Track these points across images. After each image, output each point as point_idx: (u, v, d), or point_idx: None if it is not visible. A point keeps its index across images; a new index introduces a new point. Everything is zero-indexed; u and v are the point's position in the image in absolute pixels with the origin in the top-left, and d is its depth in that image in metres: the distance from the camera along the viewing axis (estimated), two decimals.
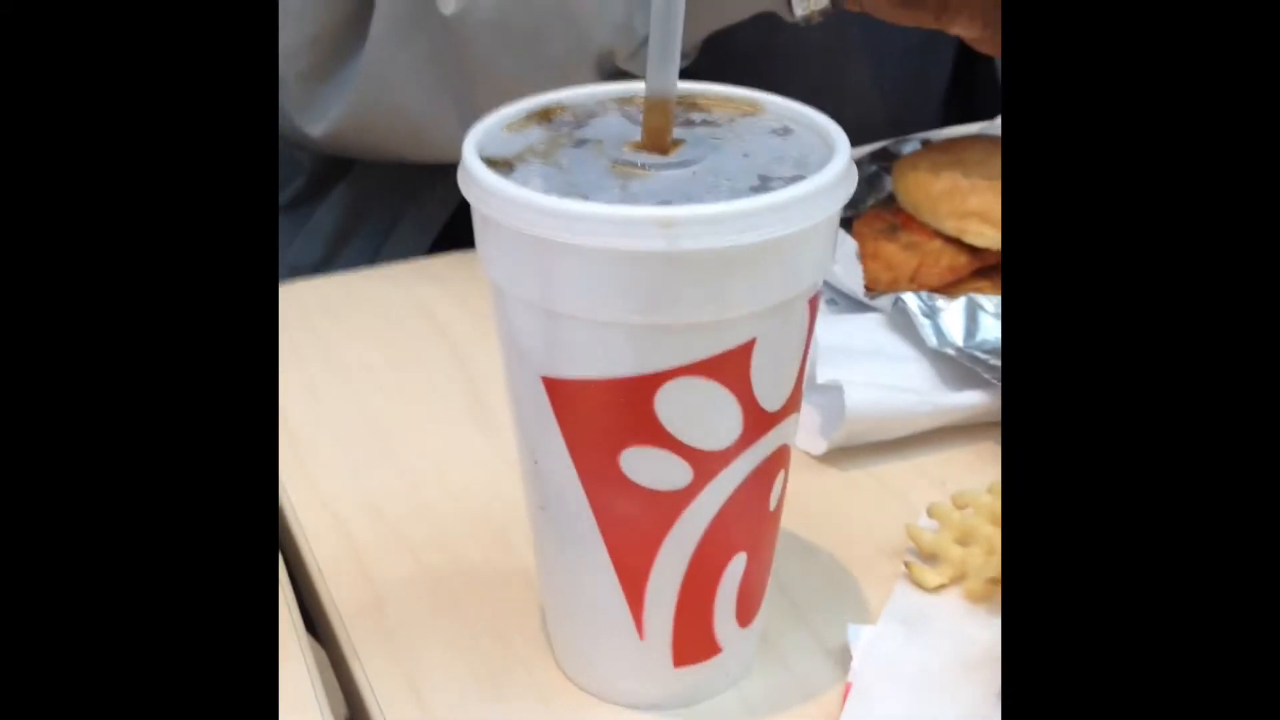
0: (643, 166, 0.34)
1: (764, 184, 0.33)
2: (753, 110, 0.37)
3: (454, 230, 0.71)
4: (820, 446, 0.50)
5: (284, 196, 0.76)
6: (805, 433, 0.51)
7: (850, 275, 0.56)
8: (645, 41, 0.53)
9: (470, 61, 0.59)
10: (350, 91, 0.62)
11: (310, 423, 0.53)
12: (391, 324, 0.60)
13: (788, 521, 0.41)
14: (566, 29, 0.57)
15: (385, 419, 0.54)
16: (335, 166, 0.74)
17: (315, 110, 0.63)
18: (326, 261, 0.74)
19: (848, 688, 0.39)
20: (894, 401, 0.50)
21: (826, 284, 0.58)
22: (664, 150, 0.34)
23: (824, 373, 0.50)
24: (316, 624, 0.45)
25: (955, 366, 0.52)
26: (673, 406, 0.34)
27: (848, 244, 0.57)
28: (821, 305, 0.57)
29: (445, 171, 0.70)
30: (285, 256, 0.75)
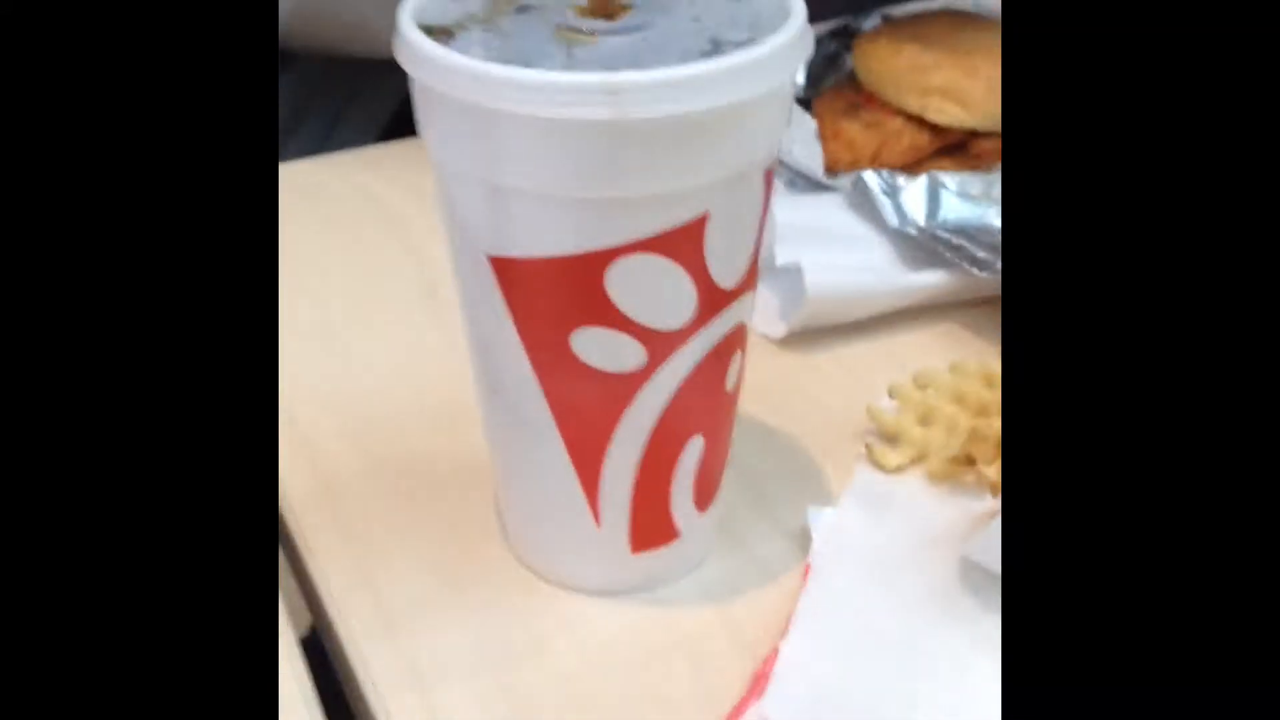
0: (588, 32, 0.32)
1: (716, 48, 0.31)
2: None
3: (402, 124, 0.68)
4: (780, 330, 0.49)
5: None
6: (764, 316, 0.50)
7: (810, 156, 0.55)
8: None
9: None
10: None
11: None
12: (340, 214, 0.59)
13: (746, 406, 0.40)
14: None
15: (335, 310, 0.52)
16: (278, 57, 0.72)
17: None
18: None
19: (807, 569, 0.39)
20: (855, 282, 0.49)
21: (785, 165, 0.56)
22: (611, 15, 0.33)
23: (783, 254, 0.49)
24: None
25: (916, 246, 0.51)
26: (624, 285, 0.32)
27: (807, 124, 0.55)
28: (780, 186, 0.56)
29: (391, 64, 0.68)
30: None
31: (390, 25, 0.59)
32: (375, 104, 0.72)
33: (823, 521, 0.40)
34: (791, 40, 0.31)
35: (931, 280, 0.50)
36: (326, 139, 0.71)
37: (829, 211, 0.53)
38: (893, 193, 0.51)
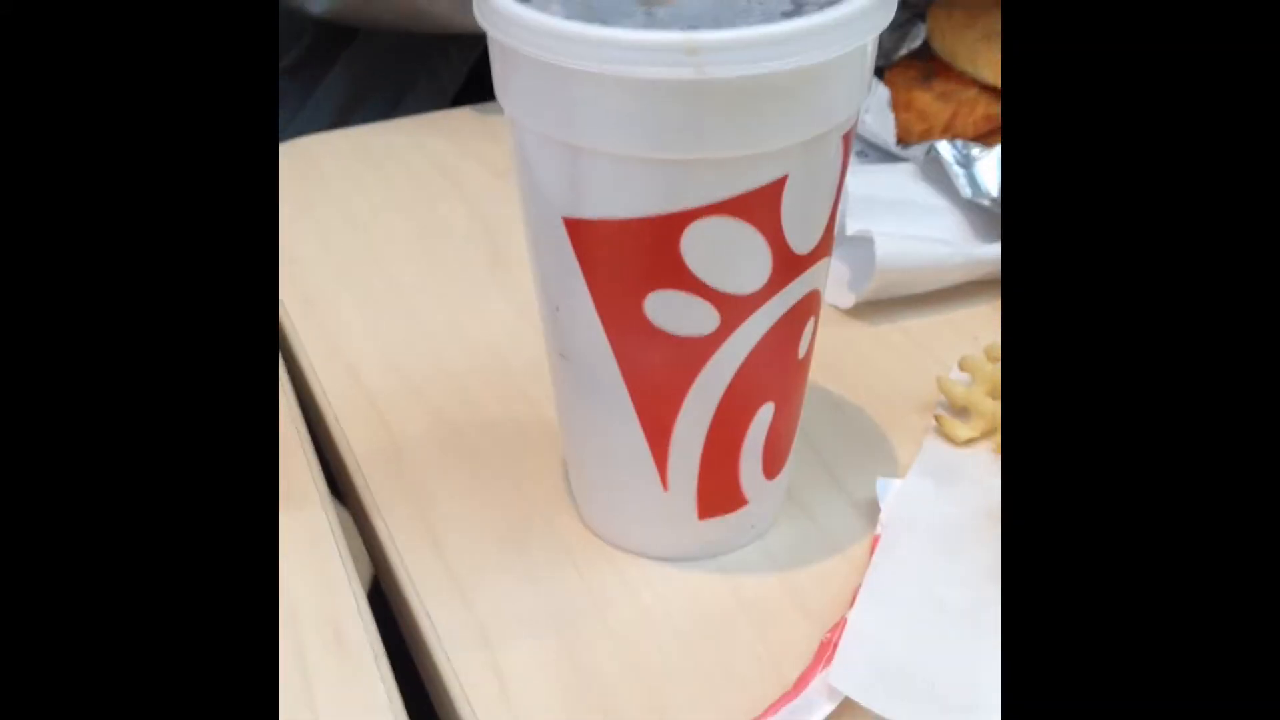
0: None
1: (797, 9, 0.31)
2: None
3: (470, 96, 0.68)
4: (849, 300, 0.49)
5: (286, 60, 0.74)
6: (834, 286, 0.49)
7: (882, 125, 0.54)
8: None
9: None
10: None
11: (324, 277, 0.52)
12: (407, 178, 0.59)
13: (815, 376, 0.39)
14: None
15: (401, 274, 0.52)
16: (340, 30, 0.72)
17: None
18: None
19: (875, 540, 0.38)
20: (925, 252, 0.48)
21: (857, 135, 0.56)
22: None
23: (853, 224, 0.49)
24: (337, 479, 0.44)
25: (989, 217, 0.50)
26: (699, 248, 0.32)
27: (880, 93, 0.55)
28: (851, 156, 0.55)
29: (457, 37, 0.67)
30: (293, 124, 0.73)
31: (443, 6, 0.59)
32: (445, 75, 0.72)
33: (891, 492, 0.40)
34: (874, 2, 0.31)
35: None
36: (395, 108, 0.71)
37: (901, 182, 0.52)
38: (967, 163, 0.51)
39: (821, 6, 0.31)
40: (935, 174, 0.52)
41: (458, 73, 0.71)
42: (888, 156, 0.55)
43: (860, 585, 0.37)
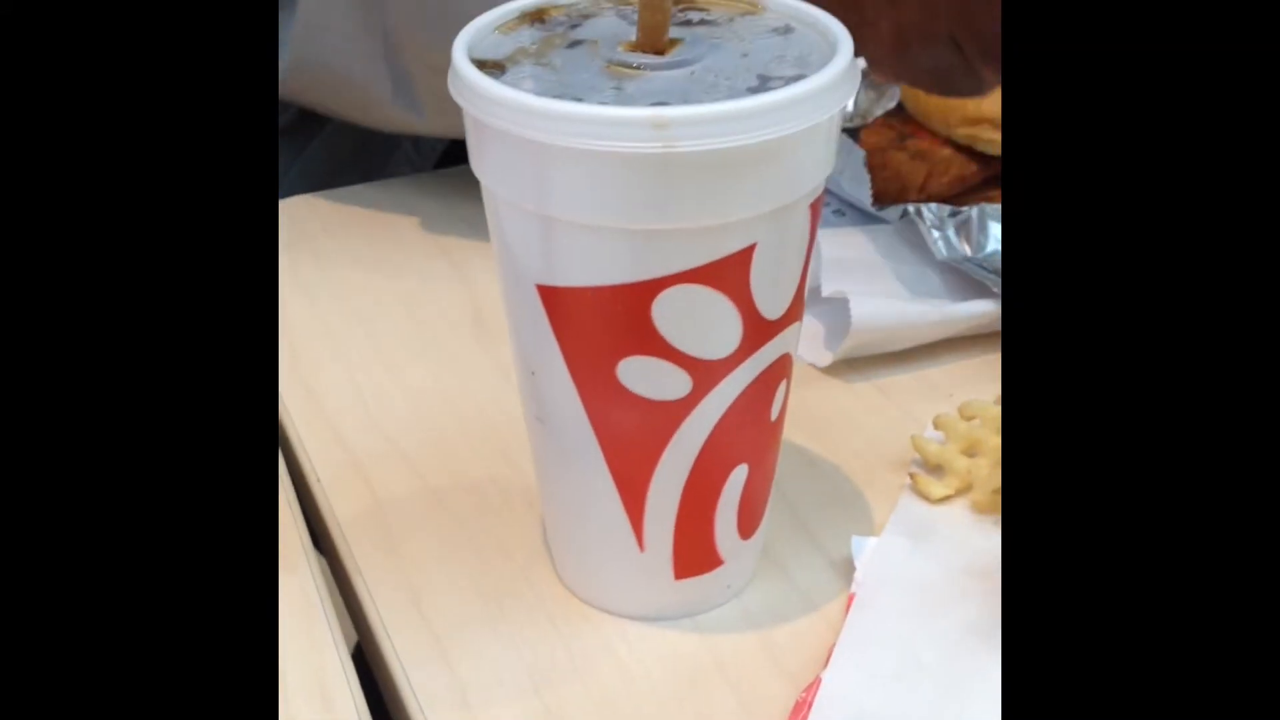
0: (638, 67, 0.33)
1: (763, 84, 0.32)
2: (752, 9, 0.36)
3: (453, 160, 0.70)
4: (825, 359, 0.49)
5: (281, 120, 0.75)
6: (809, 345, 0.50)
7: (858, 186, 0.55)
8: None
9: (391, 22, 0.55)
10: (290, 40, 0.58)
11: (310, 337, 0.53)
12: (391, 239, 0.60)
13: (791, 434, 0.40)
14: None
15: (386, 334, 0.53)
16: None
17: None
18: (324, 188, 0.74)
19: (850, 599, 0.39)
20: (900, 311, 0.49)
21: (834, 194, 0.57)
22: (660, 50, 0.33)
23: (828, 286, 0.49)
24: (320, 541, 0.45)
25: (963, 279, 0.51)
26: (670, 315, 0.33)
27: (856, 154, 0.56)
28: (828, 215, 0.56)
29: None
30: (281, 185, 0.74)
31: (380, 102, 0.58)
32: (426, 141, 0.73)
33: (866, 551, 0.41)
34: (837, 76, 0.32)
35: (976, 309, 0.50)
36: (381, 170, 0.72)
37: (877, 243, 0.53)
38: (941, 225, 0.52)
39: (786, 82, 0.32)
40: (910, 235, 0.53)
41: (439, 139, 0.72)
42: (865, 216, 0.56)
43: (835, 644, 0.37)
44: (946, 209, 0.52)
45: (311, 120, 0.73)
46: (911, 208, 0.52)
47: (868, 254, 0.52)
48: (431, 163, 0.71)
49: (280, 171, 0.74)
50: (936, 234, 0.52)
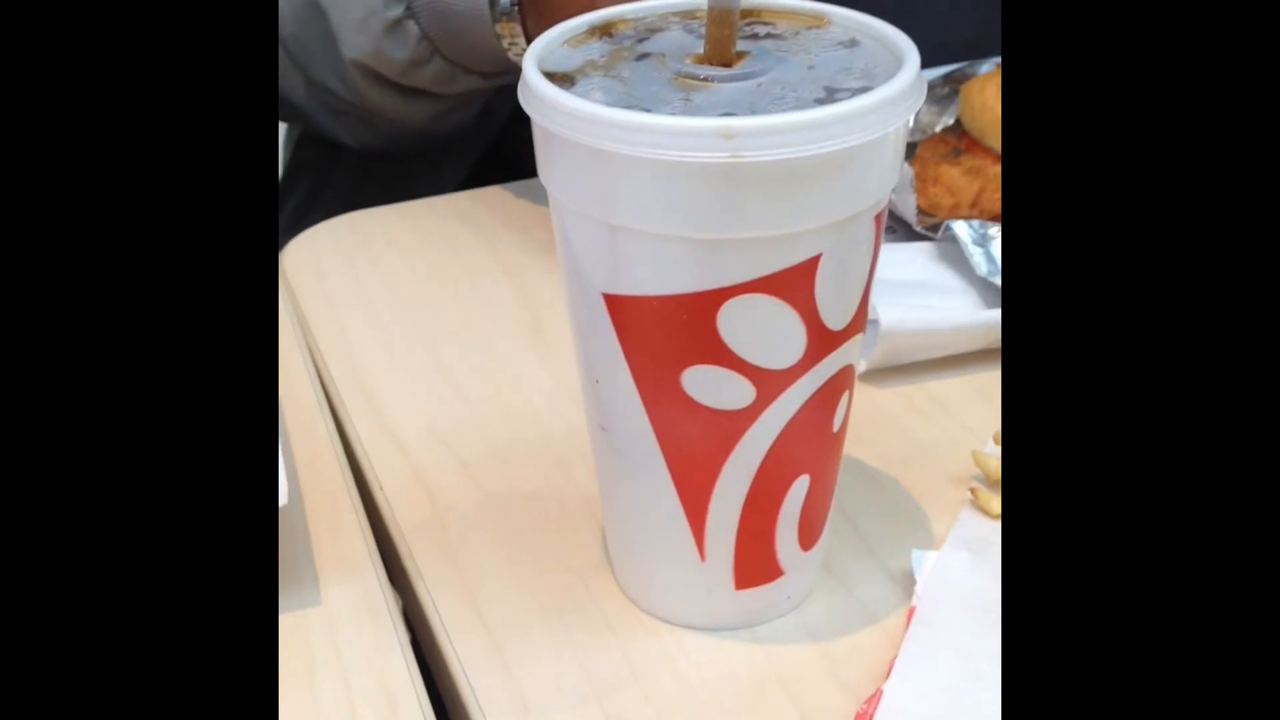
0: (706, 79, 0.33)
1: (830, 95, 0.32)
2: (818, 23, 0.36)
3: (486, 172, 0.71)
4: (860, 366, 0.49)
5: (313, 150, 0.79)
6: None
7: (905, 203, 0.55)
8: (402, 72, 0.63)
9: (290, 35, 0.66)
10: None
11: (374, 351, 0.53)
12: (453, 253, 0.60)
13: (850, 447, 0.40)
14: (331, 46, 0.64)
15: (447, 347, 0.54)
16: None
17: None
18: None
19: (911, 612, 0.39)
20: (929, 316, 0.49)
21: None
22: (728, 62, 0.34)
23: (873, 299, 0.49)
24: (383, 549, 0.45)
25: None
26: (735, 324, 0.33)
27: (906, 171, 0.56)
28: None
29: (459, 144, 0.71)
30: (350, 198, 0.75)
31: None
32: (445, 175, 0.75)
33: (927, 565, 0.40)
34: (904, 88, 0.32)
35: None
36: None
37: (918, 261, 0.54)
38: (983, 241, 0.52)
39: (854, 93, 0.32)
40: (951, 253, 0.53)
41: (473, 149, 0.75)
42: (913, 233, 0.56)
43: (895, 657, 0.37)
44: (990, 226, 0.52)
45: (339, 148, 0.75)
46: (953, 225, 0.52)
47: (908, 273, 0.53)
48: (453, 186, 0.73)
49: (349, 184, 0.76)
50: (978, 250, 0.52)
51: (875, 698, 0.36)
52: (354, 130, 0.70)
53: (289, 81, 0.68)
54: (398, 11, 0.61)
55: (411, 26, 0.61)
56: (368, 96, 0.66)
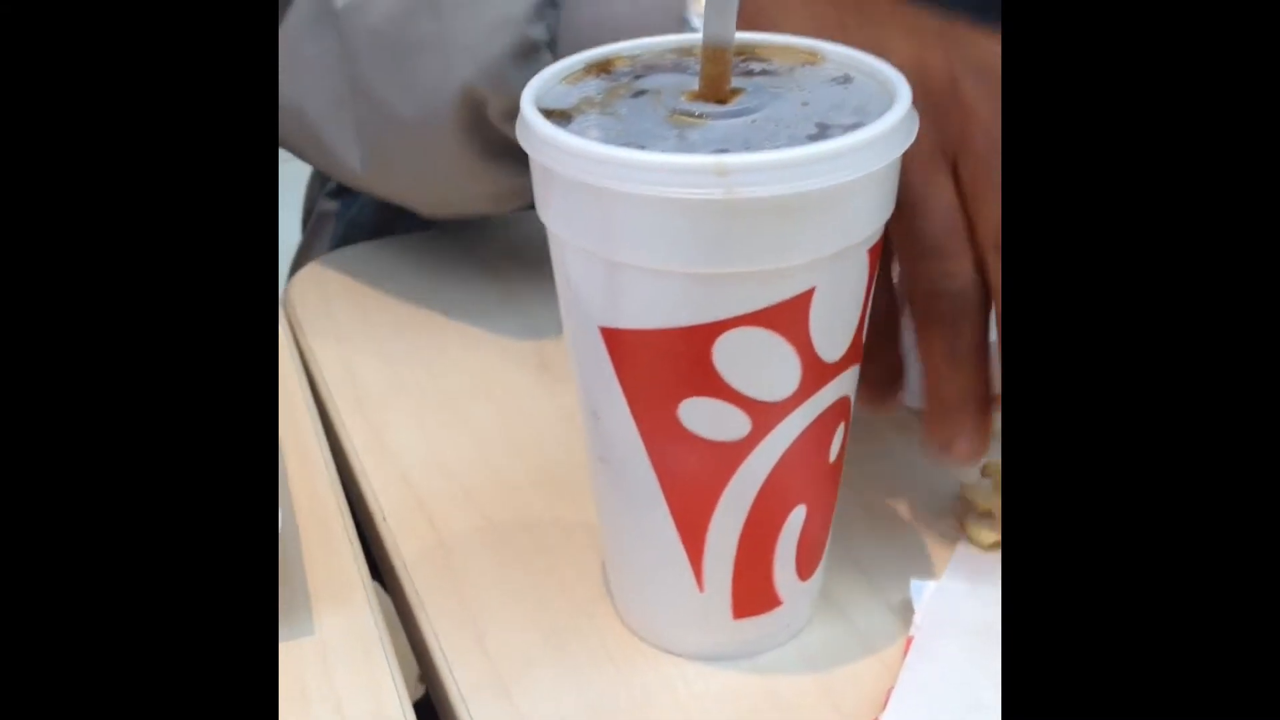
0: (700, 116, 0.34)
1: (823, 132, 0.33)
2: (812, 59, 0.37)
3: None
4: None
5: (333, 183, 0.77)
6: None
7: None
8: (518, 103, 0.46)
9: (354, 71, 0.52)
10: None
11: (376, 379, 0.54)
12: (456, 282, 0.61)
13: (849, 476, 0.40)
14: (436, 56, 0.50)
15: (449, 374, 0.54)
16: None
17: None
18: (386, 227, 0.74)
19: (909, 642, 0.39)
20: None
21: None
22: (722, 99, 0.34)
23: None
24: (385, 579, 0.45)
25: None
26: (731, 357, 0.33)
27: None
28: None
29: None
30: (336, 235, 0.75)
31: (343, 157, 0.54)
32: None
33: (926, 595, 0.41)
34: (895, 124, 0.32)
35: None
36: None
37: None
38: None
39: (846, 129, 0.32)
40: None
41: None
42: None
43: (893, 687, 0.37)
44: None
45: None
46: None
47: None
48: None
49: (344, 218, 0.76)
50: None
51: None
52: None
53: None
54: (540, 33, 0.49)
55: (547, 59, 0.49)
56: (434, 150, 0.54)
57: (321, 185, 0.79)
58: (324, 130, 0.54)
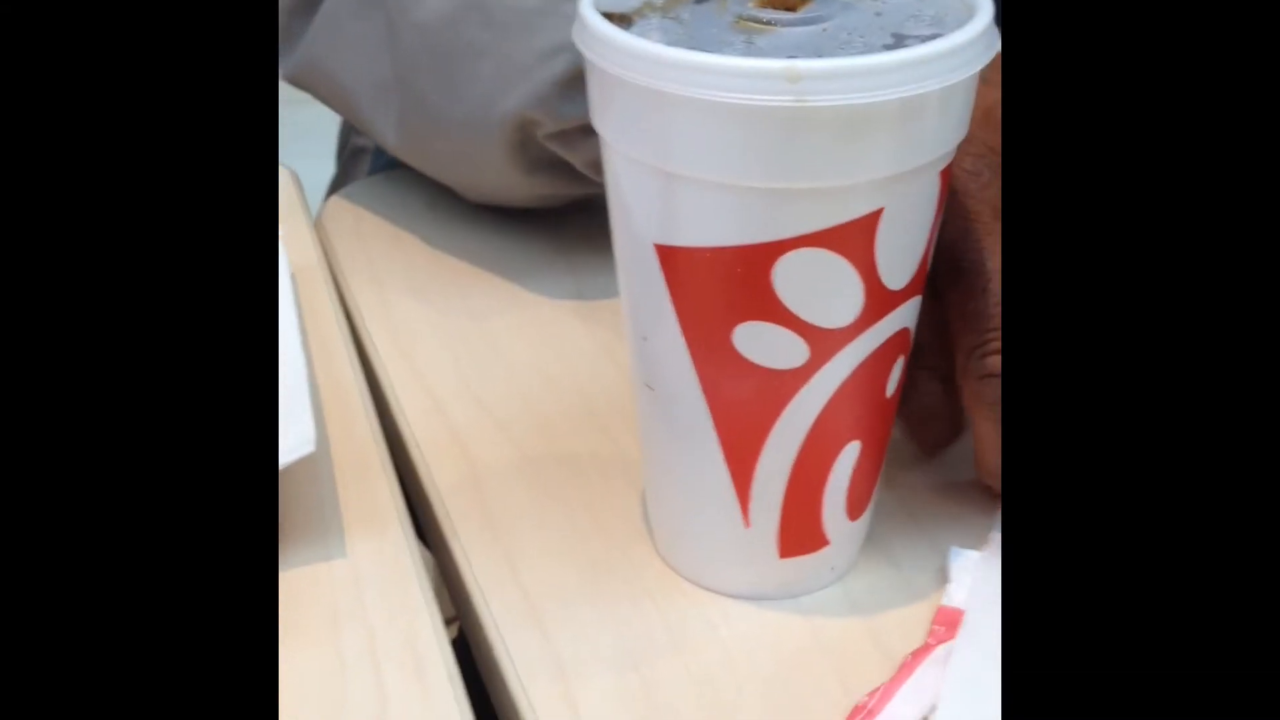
0: (769, 22, 0.32)
1: (898, 42, 0.31)
2: None
3: None
4: None
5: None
6: None
7: None
8: (568, 128, 0.47)
9: (399, 60, 0.51)
10: (306, 40, 0.55)
11: (411, 312, 0.53)
12: (491, 215, 0.59)
13: (900, 423, 0.39)
14: (487, 70, 0.48)
15: (487, 307, 0.53)
16: None
17: (287, 46, 0.56)
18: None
19: (939, 611, 0.37)
20: None
21: None
22: (792, 6, 0.32)
23: None
24: (419, 510, 0.44)
25: None
26: (791, 279, 0.32)
27: None
28: None
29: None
30: (383, 157, 0.74)
31: (380, 131, 0.54)
32: None
33: (963, 563, 0.39)
34: (977, 35, 0.31)
35: None
36: None
37: None
38: None
39: (923, 40, 0.31)
40: None
41: None
42: None
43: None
44: None
45: None
46: None
47: None
48: None
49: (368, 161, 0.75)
50: None
51: (881, 695, 0.34)
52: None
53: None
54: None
55: None
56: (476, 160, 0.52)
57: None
58: (361, 105, 0.53)
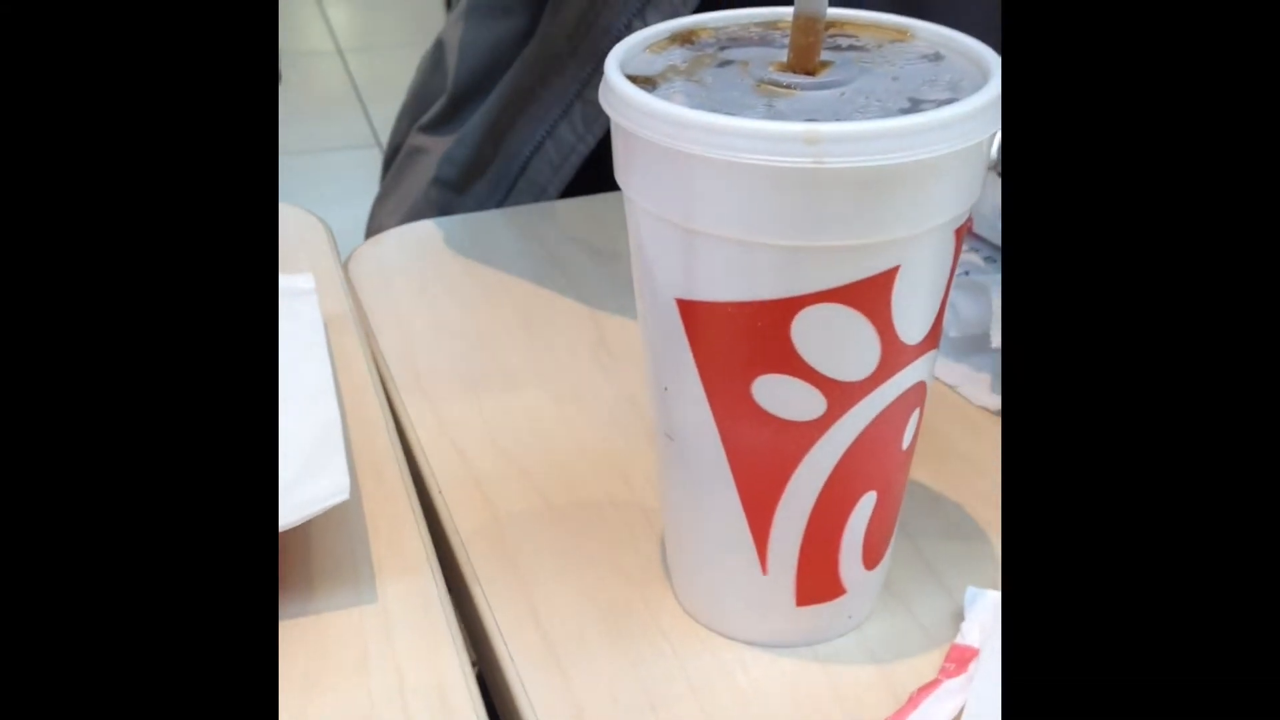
0: (789, 86, 0.33)
1: (914, 106, 0.32)
2: (902, 36, 0.36)
3: (587, 176, 0.70)
4: (996, 403, 0.49)
5: (429, 115, 0.77)
6: (978, 389, 0.50)
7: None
8: None
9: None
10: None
11: (436, 358, 0.54)
12: (518, 263, 0.60)
13: (918, 469, 0.40)
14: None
15: (508, 354, 0.54)
16: (474, 91, 0.75)
17: None
18: (460, 187, 0.74)
19: (952, 649, 0.38)
20: None
21: (985, 240, 0.56)
22: (811, 71, 0.33)
23: (998, 337, 0.49)
24: (441, 556, 0.45)
25: None
26: (810, 333, 0.33)
27: None
28: (980, 262, 0.56)
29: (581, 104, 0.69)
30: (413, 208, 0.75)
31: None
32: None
33: (981, 604, 0.39)
34: (991, 100, 0.32)
35: None
36: (507, 194, 0.73)
37: None
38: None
39: (939, 104, 0.31)
40: None
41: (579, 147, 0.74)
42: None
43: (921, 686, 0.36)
44: None
45: (450, 117, 0.75)
46: None
47: None
48: (564, 181, 0.72)
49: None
50: None
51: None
52: None
53: None
54: None
55: None
56: None
57: (412, 121, 0.79)
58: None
